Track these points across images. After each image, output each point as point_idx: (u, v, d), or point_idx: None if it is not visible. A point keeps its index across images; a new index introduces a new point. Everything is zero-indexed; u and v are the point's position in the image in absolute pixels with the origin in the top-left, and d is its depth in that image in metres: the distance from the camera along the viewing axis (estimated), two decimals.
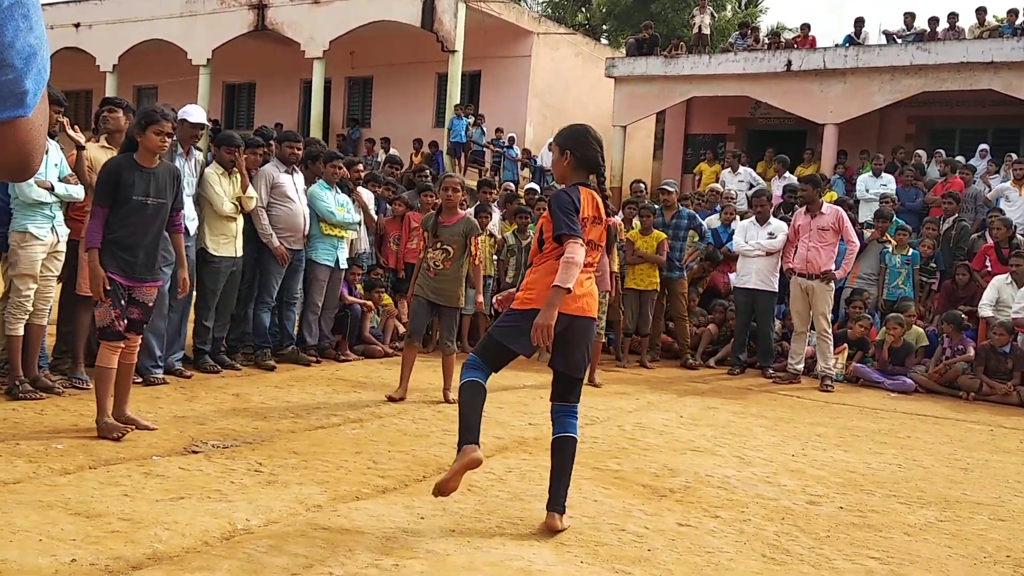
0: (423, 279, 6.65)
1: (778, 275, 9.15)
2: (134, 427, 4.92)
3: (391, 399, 6.42)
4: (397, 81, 22.41)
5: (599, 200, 3.93)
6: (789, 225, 9.09)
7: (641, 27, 20.27)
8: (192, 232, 6.57)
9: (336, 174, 7.92)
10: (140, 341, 5.09)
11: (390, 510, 3.87)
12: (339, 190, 7.96)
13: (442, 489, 3.64)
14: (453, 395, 6.33)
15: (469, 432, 3.72)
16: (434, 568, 3.22)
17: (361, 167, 9.35)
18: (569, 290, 3.64)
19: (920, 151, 15.25)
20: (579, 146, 3.88)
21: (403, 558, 3.29)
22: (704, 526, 4.01)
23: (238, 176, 6.98)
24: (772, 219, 9.34)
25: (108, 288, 4.74)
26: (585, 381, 7.46)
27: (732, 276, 9.89)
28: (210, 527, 3.47)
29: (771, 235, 9.09)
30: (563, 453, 3.91)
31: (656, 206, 9.73)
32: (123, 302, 4.79)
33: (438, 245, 6.64)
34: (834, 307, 9.18)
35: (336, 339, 8.29)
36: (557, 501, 3.82)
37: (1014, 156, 13.22)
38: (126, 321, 4.82)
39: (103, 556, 3.11)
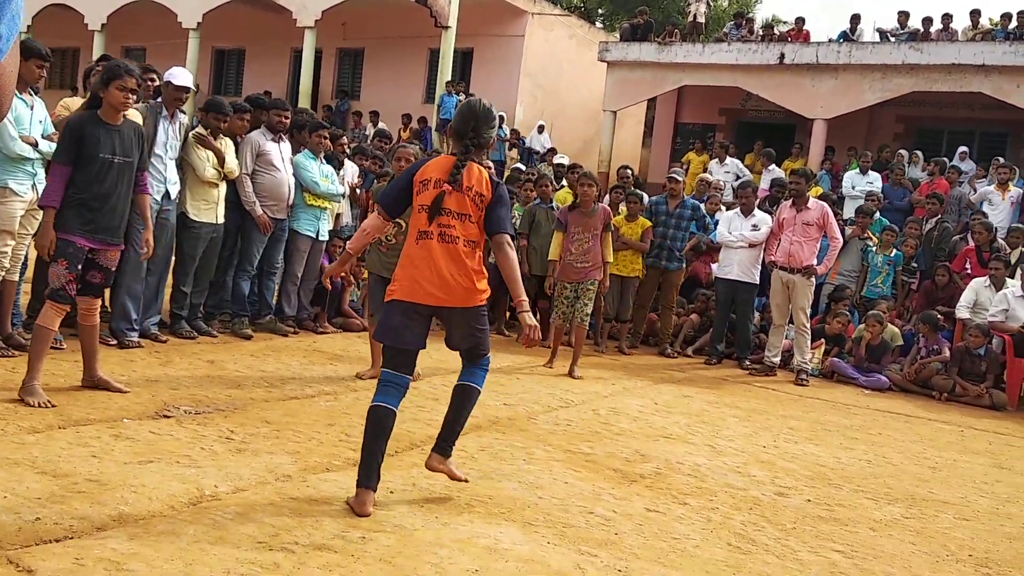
0: (375, 255, 6.36)
1: (760, 267, 9.17)
2: (107, 389, 4.89)
3: (360, 377, 6.34)
4: (389, 55, 22.25)
5: (476, 171, 3.81)
6: (774, 218, 9.10)
7: (636, 12, 20.19)
8: (173, 196, 6.51)
9: (322, 144, 7.86)
10: (99, 304, 4.99)
11: None
12: (324, 161, 7.90)
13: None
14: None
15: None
16: (400, 542, 3.22)
17: (345, 140, 9.28)
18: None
19: (903, 151, 15.29)
20: (455, 120, 3.93)
21: (370, 531, 3.29)
22: (672, 512, 4.03)
23: (225, 142, 6.92)
24: (757, 211, 9.35)
25: (68, 251, 4.64)
26: (566, 373, 7.54)
27: (714, 267, 9.91)
28: (177, 492, 3.45)
29: (755, 227, 9.11)
30: (460, 400, 3.96)
31: (642, 193, 9.73)
32: (79, 266, 4.70)
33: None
34: (813, 302, 9.21)
35: (315, 311, 8.26)
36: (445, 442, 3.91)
37: (1000, 160, 13.29)
38: (80, 285, 4.74)
39: (67, 516, 3.09)
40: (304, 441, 4.46)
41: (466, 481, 3.97)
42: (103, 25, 23.82)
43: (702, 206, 10.19)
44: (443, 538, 3.31)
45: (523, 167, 12.64)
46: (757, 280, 9.19)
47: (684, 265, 9.74)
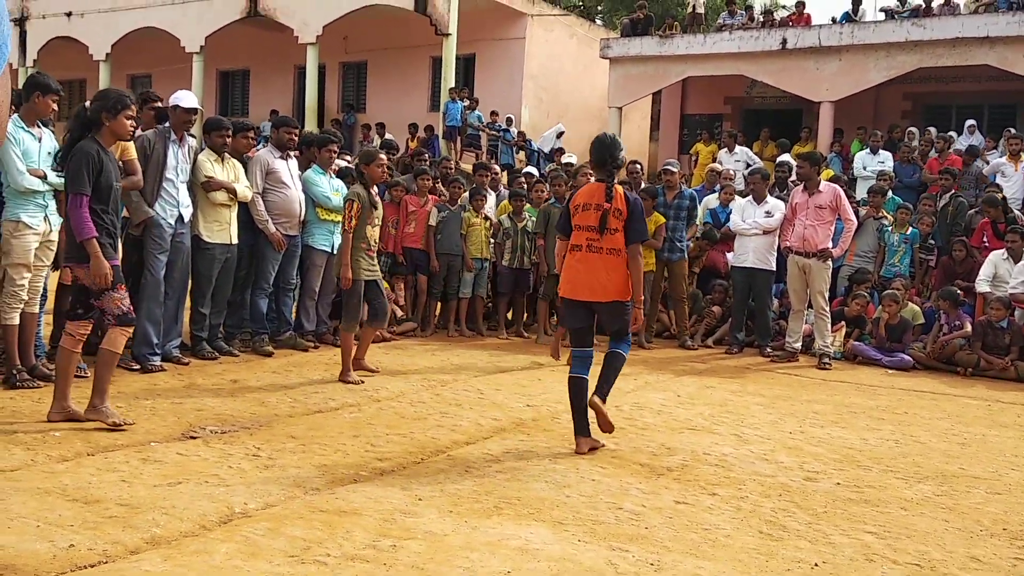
0: (362, 258, 6.59)
1: (775, 253, 9.13)
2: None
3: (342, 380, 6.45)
4: (391, 65, 22.32)
5: (618, 192, 4.92)
6: (787, 203, 9.07)
7: (635, 7, 20.17)
8: (187, 219, 6.56)
9: (331, 159, 7.90)
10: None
11: (388, 492, 3.88)
12: (332, 176, 7.94)
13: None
14: (371, 364, 6.76)
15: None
16: (431, 548, 3.23)
17: (349, 157, 9.37)
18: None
19: (913, 128, 15.22)
20: (594, 154, 5.02)
21: (400, 539, 3.30)
22: (701, 503, 4.03)
23: (232, 163, 6.96)
24: (769, 197, 9.31)
25: (119, 275, 4.75)
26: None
27: (730, 256, 9.88)
28: (208, 511, 3.48)
29: (768, 213, 9.07)
30: (609, 362, 5.00)
31: (657, 187, 9.72)
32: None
33: (375, 222, 6.73)
34: (831, 285, 9.17)
35: (333, 324, 8.28)
36: (600, 389, 4.91)
37: (1012, 131, 13.19)
38: (83, 309, 4.79)
39: (101, 541, 3.12)
40: (330, 454, 4.48)
41: (610, 431, 4.92)
42: (107, 55, 24.04)
43: (697, 198, 10.13)
44: (473, 541, 3.32)
45: (535, 171, 12.60)
46: (773, 267, 9.15)
47: (686, 255, 9.66)
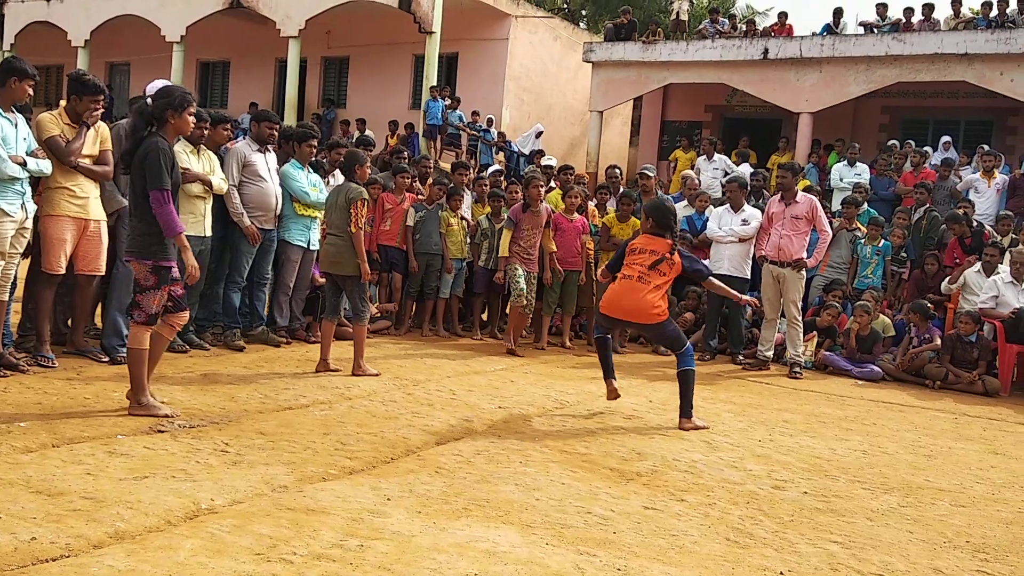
0: (323, 250, 6.94)
1: (751, 262, 9.18)
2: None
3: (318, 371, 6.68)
4: (373, 62, 22.25)
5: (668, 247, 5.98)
6: (763, 212, 9.13)
7: (619, 12, 20.23)
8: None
9: (310, 154, 7.86)
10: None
11: (357, 491, 3.86)
12: (311, 170, 7.90)
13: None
14: (369, 368, 6.77)
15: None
16: (399, 549, 3.22)
17: (343, 151, 9.31)
18: None
19: (894, 141, 15.39)
20: (658, 217, 6.05)
21: (368, 539, 3.28)
22: (670, 509, 4.04)
23: (208, 155, 6.91)
24: (746, 206, 9.37)
25: (170, 277, 4.85)
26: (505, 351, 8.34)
27: (705, 263, 9.91)
28: (173, 506, 3.45)
29: (745, 222, 9.12)
30: (682, 381, 6.01)
31: (635, 193, 9.76)
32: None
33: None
34: (804, 295, 9.24)
35: (307, 320, 8.25)
36: (683, 410, 5.97)
37: (986, 148, 13.34)
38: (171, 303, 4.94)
39: (63, 535, 3.08)
40: (300, 451, 4.45)
41: (707, 428, 5.89)
42: (86, 41, 23.79)
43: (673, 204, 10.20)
44: (441, 543, 3.31)
45: (502, 168, 12.60)
46: (748, 275, 9.20)
47: None
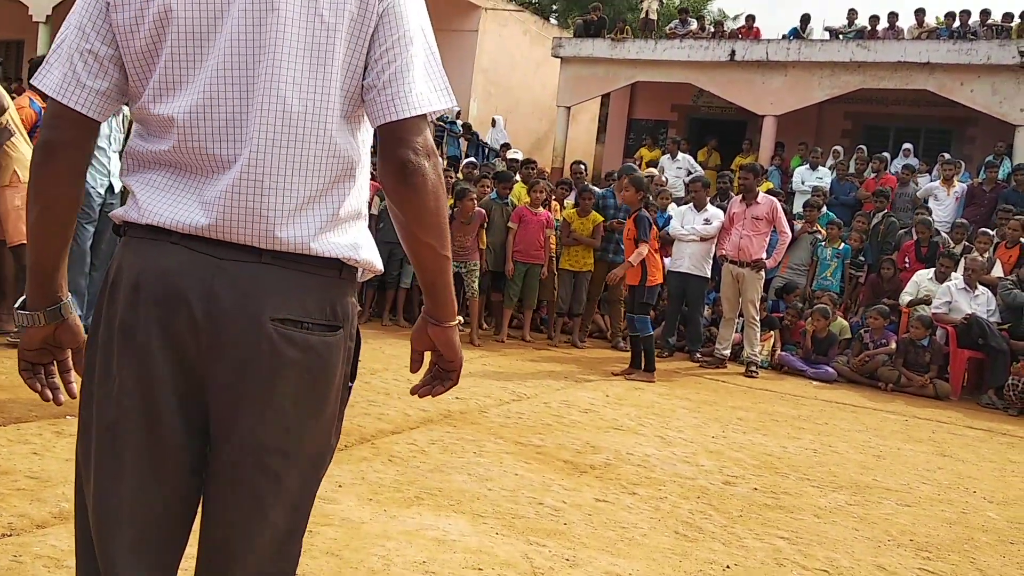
0: None
1: (711, 261, 9.26)
2: None
3: None
4: None
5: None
6: (725, 212, 9.21)
7: (589, 8, 20.26)
8: (117, 190, 6.40)
9: None
10: None
11: None
12: None
13: None
14: None
15: None
16: (347, 535, 3.21)
17: None
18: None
19: (862, 146, 15.61)
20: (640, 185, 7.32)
21: (317, 524, 3.27)
22: (621, 502, 4.07)
23: None
24: (709, 206, 9.44)
25: None
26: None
27: (667, 260, 10.00)
28: None
29: (707, 221, 9.19)
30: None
31: (597, 188, 9.80)
32: None
33: None
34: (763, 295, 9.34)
35: None
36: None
37: (947, 156, 13.56)
38: None
39: (7, 514, 3.03)
40: None
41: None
42: (48, 17, 23.29)
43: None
44: (391, 530, 3.31)
45: (475, 161, 12.61)
46: (708, 274, 9.28)
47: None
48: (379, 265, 1.66)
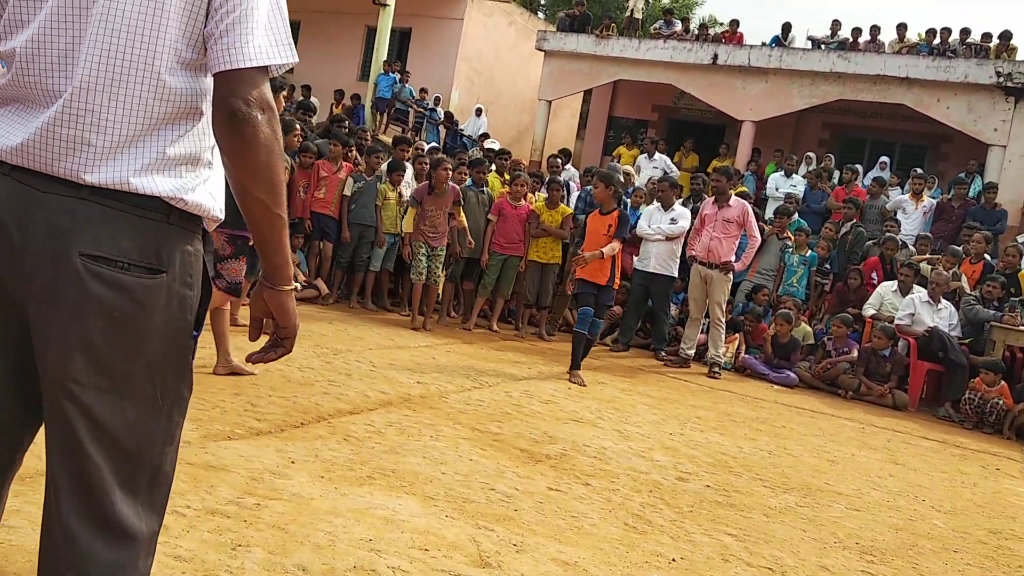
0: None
1: (678, 261, 9.31)
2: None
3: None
4: (324, 30, 21.92)
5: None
6: (696, 214, 9.26)
7: (574, 3, 20.27)
8: None
9: None
10: None
11: (261, 452, 3.83)
12: None
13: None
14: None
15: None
16: (296, 510, 3.20)
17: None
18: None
19: (830, 155, 15.76)
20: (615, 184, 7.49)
21: (266, 499, 3.26)
22: (573, 492, 4.08)
23: None
24: (676, 205, 9.50)
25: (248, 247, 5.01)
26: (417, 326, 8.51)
27: (634, 259, 10.04)
28: None
29: (673, 221, 9.26)
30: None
31: (565, 181, 9.83)
32: None
33: None
34: (729, 298, 9.42)
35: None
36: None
37: (918, 171, 13.71)
38: None
39: None
40: (208, 409, 4.39)
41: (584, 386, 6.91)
42: None
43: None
44: (340, 508, 3.30)
45: (437, 146, 12.57)
46: (675, 273, 9.33)
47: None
48: (215, 212, 1.66)
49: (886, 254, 10.49)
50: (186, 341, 1.65)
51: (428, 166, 9.73)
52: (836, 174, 14.47)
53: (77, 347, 1.53)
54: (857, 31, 17.44)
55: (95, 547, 1.58)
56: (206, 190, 1.65)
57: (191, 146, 1.61)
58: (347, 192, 8.97)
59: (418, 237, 8.54)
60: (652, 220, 9.36)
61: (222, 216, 1.69)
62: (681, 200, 12.05)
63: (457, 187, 8.97)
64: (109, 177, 1.53)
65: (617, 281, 7.67)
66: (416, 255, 8.51)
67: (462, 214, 8.94)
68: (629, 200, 10.38)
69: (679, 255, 9.26)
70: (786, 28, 17.92)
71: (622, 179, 8.82)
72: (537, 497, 3.90)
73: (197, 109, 1.61)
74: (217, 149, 1.65)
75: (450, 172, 8.83)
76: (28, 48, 1.56)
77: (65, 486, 1.58)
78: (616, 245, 7.32)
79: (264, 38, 1.56)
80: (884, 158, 15.65)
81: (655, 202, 9.59)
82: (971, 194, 13.10)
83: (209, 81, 1.61)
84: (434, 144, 12.97)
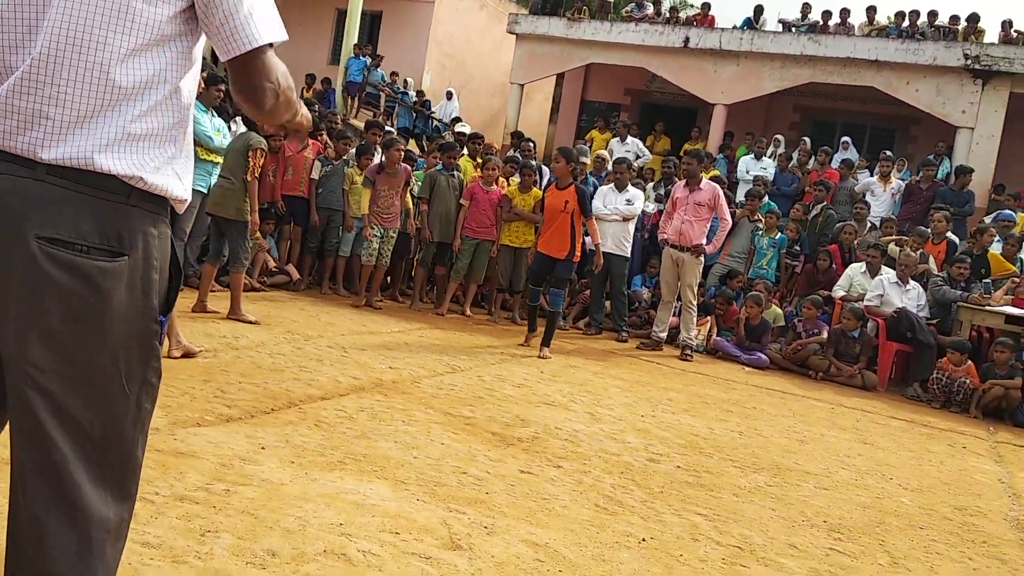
0: (212, 191, 6.95)
1: (631, 241, 9.43)
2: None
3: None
4: (294, 13, 21.60)
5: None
6: (667, 197, 9.30)
7: None
8: None
9: (216, 97, 7.64)
10: None
11: (231, 438, 3.81)
12: (215, 114, 7.68)
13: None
14: (248, 314, 6.80)
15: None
16: (266, 495, 3.19)
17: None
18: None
19: (806, 138, 15.85)
20: (571, 158, 7.82)
21: (235, 484, 3.25)
22: (545, 474, 4.10)
23: None
24: (630, 187, 9.55)
25: None
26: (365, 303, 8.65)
27: (587, 239, 10.06)
28: None
29: (628, 201, 9.32)
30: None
31: (538, 164, 9.84)
32: None
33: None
34: (701, 281, 9.48)
35: (202, 268, 8.04)
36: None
37: (887, 153, 13.82)
38: None
39: None
40: (177, 396, 4.36)
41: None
42: None
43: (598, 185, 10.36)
44: (310, 493, 3.29)
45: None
46: (628, 253, 9.49)
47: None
48: (178, 192, 1.65)
49: (844, 240, 10.57)
50: (150, 326, 1.64)
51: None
52: (812, 158, 14.55)
53: (36, 333, 1.51)
54: (827, 14, 17.51)
55: (62, 534, 1.57)
56: (172, 170, 1.64)
57: (155, 123, 1.60)
58: (315, 175, 8.91)
59: (372, 219, 8.64)
60: (607, 200, 9.41)
61: (188, 198, 1.67)
62: (653, 183, 12.12)
63: (408, 169, 9.05)
64: (67, 153, 1.51)
65: (577, 254, 7.80)
66: (369, 237, 8.65)
67: (408, 196, 9.06)
68: (603, 184, 10.40)
69: (633, 235, 9.41)
70: (757, 11, 17.96)
71: (586, 160, 9.02)
72: (509, 480, 3.92)
73: (163, 81, 1.60)
74: (186, 128, 1.64)
75: (402, 153, 8.90)
76: None
77: (30, 473, 1.56)
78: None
79: (262, 20, 1.66)
80: (846, 138, 15.73)
81: (611, 183, 9.66)
82: (939, 176, 13.24)
83: (180, 58, 1.62)
84: (390, 129, 12.91)
